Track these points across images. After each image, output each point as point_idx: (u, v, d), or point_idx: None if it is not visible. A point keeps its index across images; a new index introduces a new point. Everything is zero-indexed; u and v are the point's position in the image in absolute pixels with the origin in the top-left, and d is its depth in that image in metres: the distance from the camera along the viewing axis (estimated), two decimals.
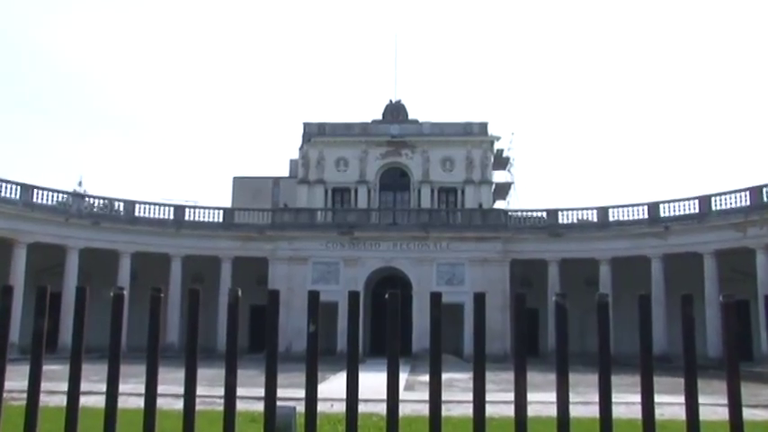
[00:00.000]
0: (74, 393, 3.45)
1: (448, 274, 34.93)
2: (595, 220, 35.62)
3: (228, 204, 44.58)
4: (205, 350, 30.02)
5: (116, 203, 35.55)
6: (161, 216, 35.73)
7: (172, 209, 36.33)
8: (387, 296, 3.51)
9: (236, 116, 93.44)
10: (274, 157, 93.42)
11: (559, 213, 36.41)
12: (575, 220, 36.21)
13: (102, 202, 35.23)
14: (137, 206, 35.41)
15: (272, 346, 3.55)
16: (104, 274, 31.88)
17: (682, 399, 3.39)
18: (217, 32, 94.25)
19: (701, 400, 3.38)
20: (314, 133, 42.77)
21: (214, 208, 37.29)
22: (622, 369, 11.46)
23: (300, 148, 42.93)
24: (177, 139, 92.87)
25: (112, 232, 33.69)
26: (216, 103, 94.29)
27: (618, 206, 35.26)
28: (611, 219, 35.08)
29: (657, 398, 3.47)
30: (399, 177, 43.26)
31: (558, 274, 34.56)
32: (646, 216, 34.02)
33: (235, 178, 48.25)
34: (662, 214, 33.53)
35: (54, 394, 10.18)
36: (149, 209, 35.72)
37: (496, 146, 43.89)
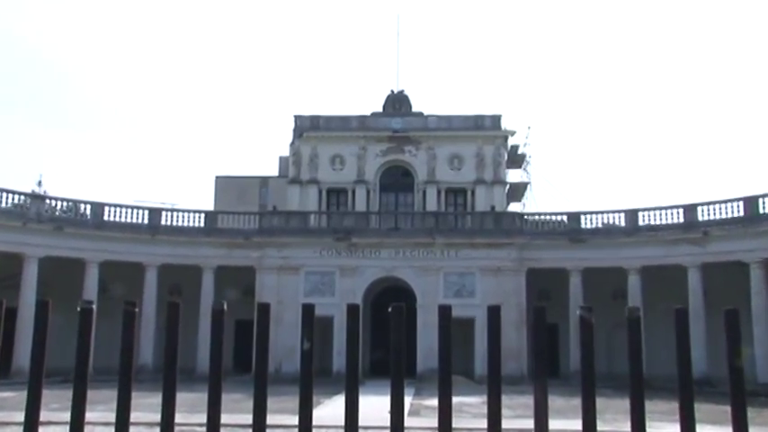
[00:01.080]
0: (32, 423, 3.42)
1: (456, 285, 34.94)
2: (623, 224, 35.56)
3: (210, 207, 44.55)
4: (184, 371, 29.81)
5: (81, 206, 35.41)
6: (134, 220, 35.67)
7: (146, 212, 36.31)
8: (389, 310, 3.49)
9: (219, 109, 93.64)
10: (262, 154, 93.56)
11: (582, 217, 36.39)
12: (599, 225, 36.18)
13: (65, 204, 35.10)
14: (106, 209, 35.27)
15: (262, 367, 3.53)
16: (68, 287, 31.59)
17: (728, 430, 3.36)
18: (195, 16, 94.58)
19: (750, 431, 3.33)
20: (306, 127, 42.81)
21: (194, 211, 37.30)
22: (656, 393, 11.35)
23: (291, 144, 42.97)
24: (152, 134, 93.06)
25: (77, 238, 33.48)
26: (196, 95, 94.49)
27: (649, 209, 35.15)
28: (641, 223, 34.99)
29: (699, 428, 3.44)
30: (402, 177, 43.24)
31: (581, 284, 34.52)
32: (681, 220, 33.83)
33: (217, 178, 48.29)
34: (700, 218, 33.23)
35: (7, 426, 10.13)
36: (120, 212, 35.61)
37: (511, 141, 43.94)
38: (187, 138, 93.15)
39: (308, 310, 3.71)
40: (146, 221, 35.84)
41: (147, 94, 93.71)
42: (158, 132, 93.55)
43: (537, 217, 38.12)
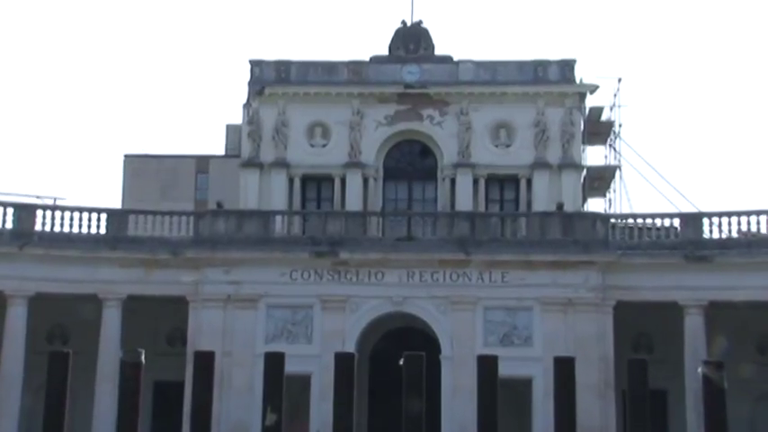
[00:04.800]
0: None
1: (504, 327, 34.83)
2: None
3: (117, 203, 44.57)
4: None
5: None
6: None
7: (9, 211, 36.18)
8: (401, 362, 3.46)
9: (131, 52, 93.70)
10: (199, 121, 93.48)
11: (706, 221, 36.21)
12: (734, 234, 36.02)
13: None
14: None
15: None
16: None
17: None
18: None
19: None
20: (270, 80, 42.69)
21: (90, 209, 37.14)
22: None
23: (246, 106, 42.82)
24: (22, 91, 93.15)
25: None
26: (91, 29, 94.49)
27: None
28: None
29: None
30: (418, 157, 43.12)
31: (705, 328, 34.38)
32: None
33: (128, 158, 48.26)
34: None
35: None
36: None
37: (590, 101, 43.79)
38: (79, 95, 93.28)
39: (273, 362, 3.71)
40: (9, 226, 35.73)
41: (19, 37, 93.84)
42: (32, 89, 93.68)
43: (631, 221, 37.93)
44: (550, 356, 4.62)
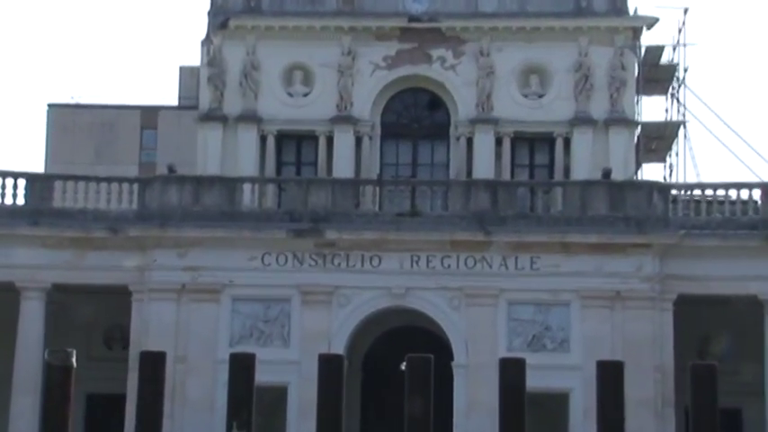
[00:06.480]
0: None
1: (533, 328, 34.96)
2: None
3: (40, 166, 44.52)
4: None
5: None
6: None
7: None
8: (403, 367, 3.48)
9: None
10: (146, 62, 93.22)
11: None
12: None
13: None
14: None
15: None
16: None
17: None
18: None
19: None
20: (236, 9, 42.57)
21: (5, 174, 37.11)
22: None
23: (205, 43, 42.72)
24: None
25: None
26: None
27: None
28: None
29: None
30: (425, 111, 43.10)
31: None
32: None
33: (53, 108, 48.05)
34: None
35: None
36: None
37: (647, 39, 43.70)
38: None
39: (240, 365, 3.75)
40: None
41: None
42: None
43: (698, 192, 37.89)
44: (592, 364, 4.62)
